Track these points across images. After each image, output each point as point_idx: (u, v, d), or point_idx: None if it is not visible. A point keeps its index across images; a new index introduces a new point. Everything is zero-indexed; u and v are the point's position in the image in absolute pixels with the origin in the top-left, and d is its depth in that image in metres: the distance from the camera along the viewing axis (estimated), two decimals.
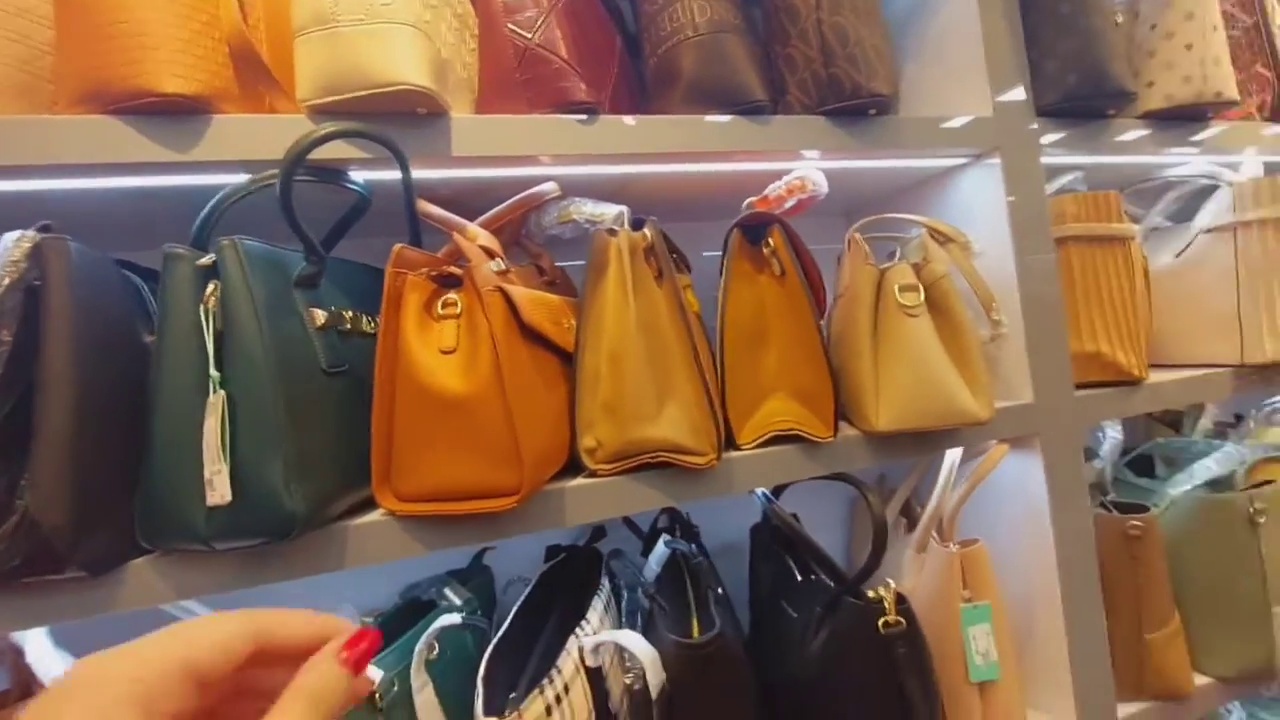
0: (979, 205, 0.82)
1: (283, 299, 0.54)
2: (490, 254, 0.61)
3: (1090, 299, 0.82)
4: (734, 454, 0.66)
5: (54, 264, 0.51)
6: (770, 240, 0.69)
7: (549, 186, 0.65)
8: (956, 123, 0.77)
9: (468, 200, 0.68)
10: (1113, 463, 0.96)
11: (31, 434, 0.48)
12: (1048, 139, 0.81)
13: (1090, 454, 1.02)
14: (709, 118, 0.67)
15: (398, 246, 0.57)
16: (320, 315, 0.57)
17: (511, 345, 0.56)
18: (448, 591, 0.74)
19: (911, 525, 0.90)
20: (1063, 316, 0.79)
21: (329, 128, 0.52)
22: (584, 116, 0.63)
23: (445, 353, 0.57)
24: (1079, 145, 0.83)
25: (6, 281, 0.50)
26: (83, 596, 0.50)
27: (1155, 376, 0.87)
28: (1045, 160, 0.83)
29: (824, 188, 0.74)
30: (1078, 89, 0.77)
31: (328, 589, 0.79)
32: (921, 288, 0.69)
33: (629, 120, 0.64)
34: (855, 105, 0.70)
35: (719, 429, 0.61)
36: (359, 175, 0.62)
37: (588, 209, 0.64)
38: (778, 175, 0.71)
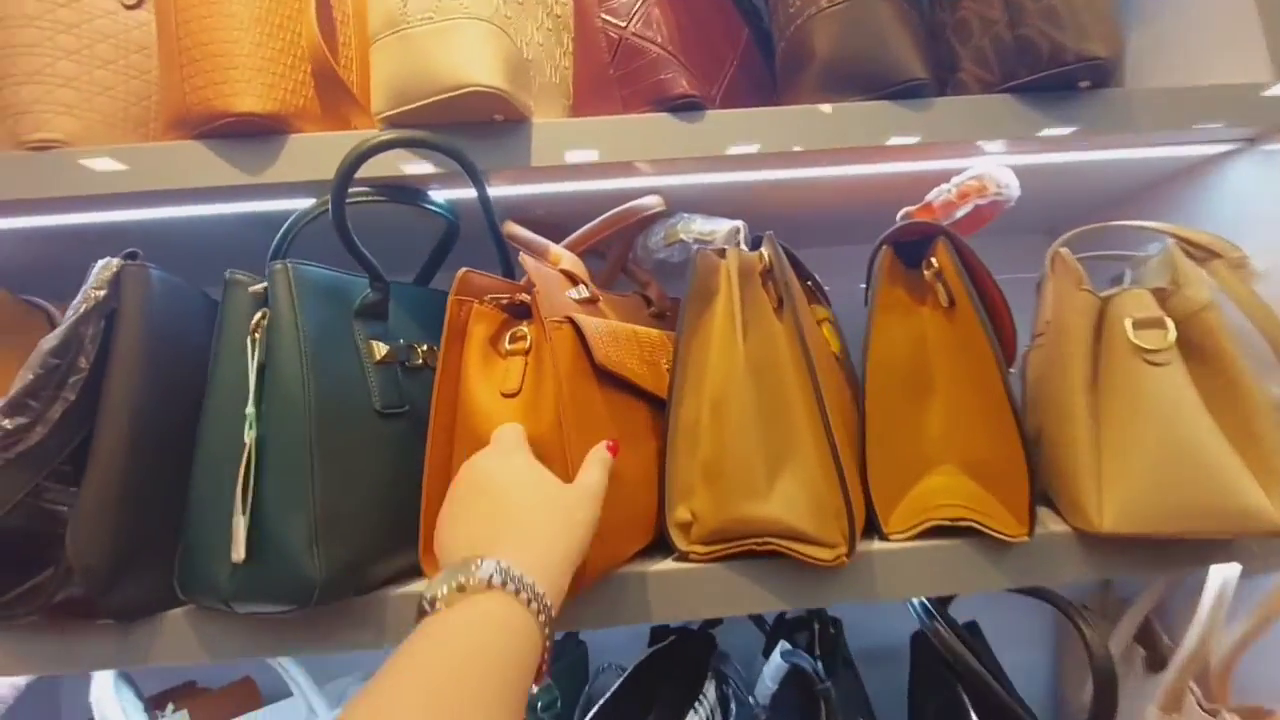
0: (1256, 209, 0.58)
1: (337, 330, 0.48)
2: (573, 279, 0.52)
3: None
4: (878, 546, 0.49)
5: (130, 291, 0.49)
6: (934, 260, 0.52)
7: (650, 201, 0.54)
8: (1218, 94, 0.55)
9: (570, 223, 0.60)
10: None
11: None
12: None
13: None
14: (847, 105, 0.53)
15: (463, 271, 0.49)
16: (381, 349, 0.50)
17: (579, 389, 0.46)
18: None
19: (1154, 660, 0.64)
20: None
21: (378, 138, 0.46)
22: (687, 114, 0.52)
23: (507, 396, 0.48)
24: None
25: (83, 309, 0.49)
26: (111, 645, 0.46)
27: None
28: None
29: (1013, 190, 0.55)
30: None
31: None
32: (1171, 324, 0.47)
33: (741, 114, 0.52)
34: (1057, 75, 0.51)
35: (852, 511, 0.45)
36: (447, 195, 0.56)
37: (696, 226, 0.53)
38: (946, 177, 0.55)
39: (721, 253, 0.47)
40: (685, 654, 0.70)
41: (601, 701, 0.61)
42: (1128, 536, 0.46)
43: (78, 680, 0.57)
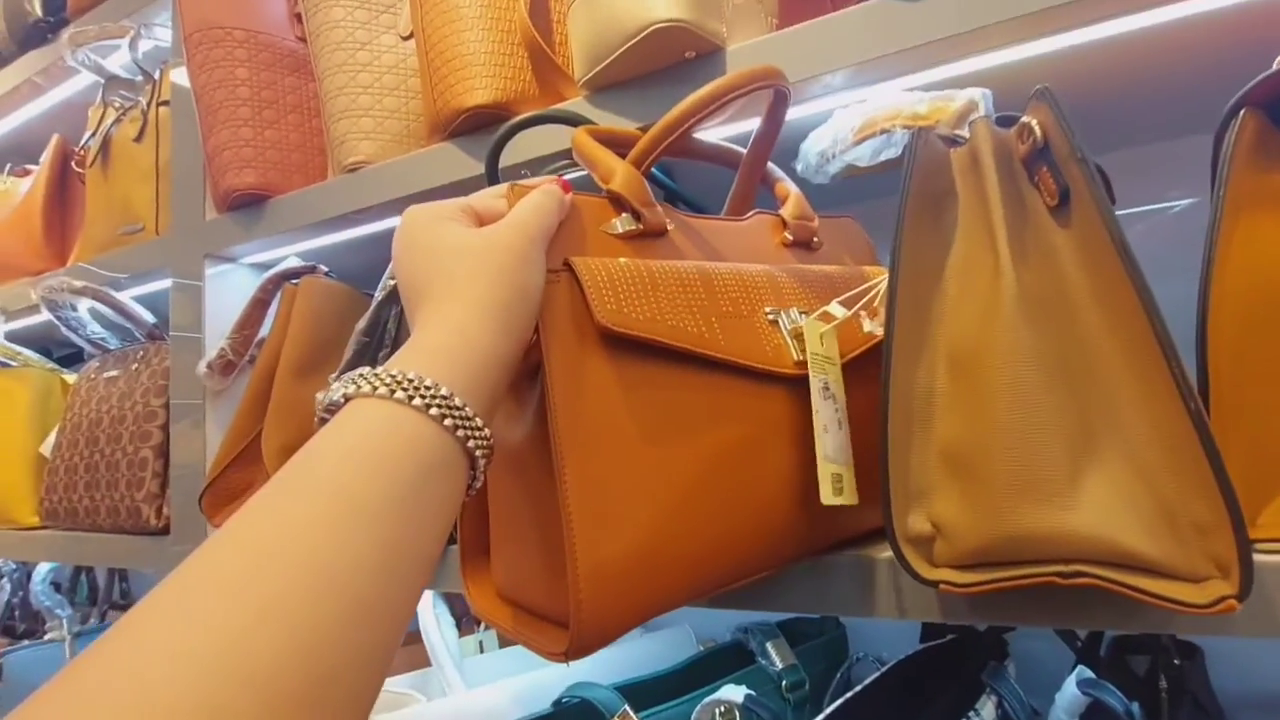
0: None
1: None
2: (621, 205, 0.37)
3: None
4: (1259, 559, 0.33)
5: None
6: None
7: (737, 78, 0.38)
8: None
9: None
10: None
11: None
12: None
13: None
14: None
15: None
16: None
17: (577, 366, 0.31)
18: (770, 648, 0.60)
19: None
20: None
21: (508, 127, 0.46)
22: None
23: None
24: None
25: (381, 295, 0.60)
26: None
27: None
28: None
29: None
30: None
31: None
32: None
33: None
34: None
35: (1240, 523, 0.29)
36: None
37: (908, 106, 0.40)
38: None
39: (955, 140, 0.35)
40: (963, 657, 0.59)
41: (854, 692, 0.54)
42: None
43: None
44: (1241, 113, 0.35)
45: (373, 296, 0.63)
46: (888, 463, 0.35)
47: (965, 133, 0.35)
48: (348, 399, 0.25)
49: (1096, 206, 0.32)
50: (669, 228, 0.38)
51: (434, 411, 0.25)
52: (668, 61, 0.48)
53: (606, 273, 0.32)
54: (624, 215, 0.36)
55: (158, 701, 0.17)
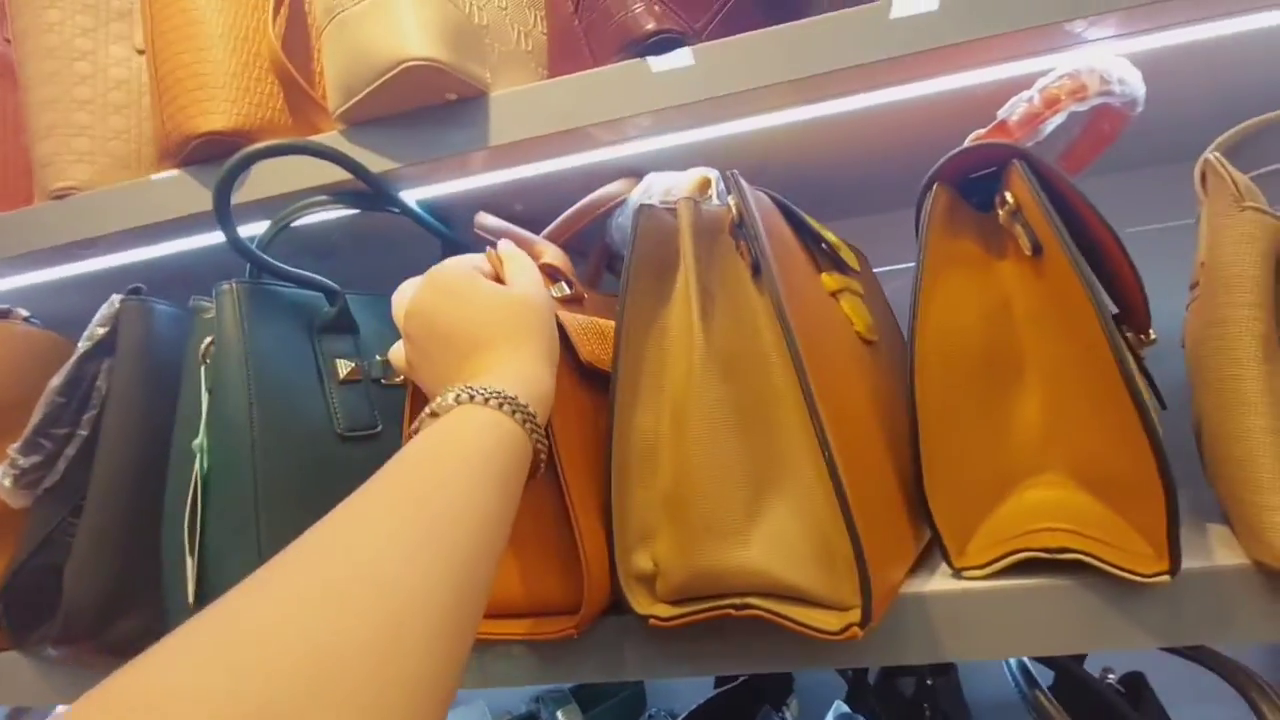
0: None
1: (295, 350, 0.45)
2: (554, 275, 0.44)
3: None
4: (945, 586, 0.36)
5: (128, 328, 0.49)
6: (1008, 193, 0.38)
7: (618, 186, 0.45)
8: None
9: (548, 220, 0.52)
10: None
11: None
12: None
13: None
14: (854, 12, 0.40)
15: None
16: (345, 366, 0.46)
17: (564, 388, 0.37)
18: (560, 715, 0.57)
19: None
20: None
21: (230, 163, 0.42)
22: (662, 55, 0.43)
23: None
24: None
25: (85, 347, 0.50)
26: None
27: None
28: None
29: (1133, 87, 0.39)
30: None
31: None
32: None
33: (735, 41, 0.42)
34: None
35: (863, 558, 0.31)
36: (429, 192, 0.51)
37: (661, 185, 0.43)
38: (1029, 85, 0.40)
39: (672, 209, 0.37)
40: (755, 699, 0.59)
41: None
42: None
43: None
44: (935, 186, 0.40)
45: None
46: (613, 506, 0.37)
47: (683, 200, 0.37)
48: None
49: (773, 280, 0.35)
50: (585, 296, 0.45)
51: (528, 425, 0.30)
52: (427, 101, 0.46)
53: (576, 323, 0.40)
54: (560, 283, 0.43)
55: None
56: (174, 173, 0.51)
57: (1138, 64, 0.39)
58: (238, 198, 0.48)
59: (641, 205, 0.36)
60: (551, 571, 0.39)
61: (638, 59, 0.43)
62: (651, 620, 0.35)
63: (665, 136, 0.45)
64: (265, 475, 0.40)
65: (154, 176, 0.52)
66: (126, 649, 0.45)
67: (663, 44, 0.43)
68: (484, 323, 0.34)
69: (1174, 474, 0.31)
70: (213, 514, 0.40)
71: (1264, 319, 0.33)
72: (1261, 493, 0.32)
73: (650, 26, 0.42)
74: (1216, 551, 0.35)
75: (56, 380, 0.49)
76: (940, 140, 0.42)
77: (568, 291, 0.44)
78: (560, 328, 0.39)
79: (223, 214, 0.43)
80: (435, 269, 0.37)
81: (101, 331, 0.50)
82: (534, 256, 0.44)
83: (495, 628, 0.40)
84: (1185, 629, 0.34)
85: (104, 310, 0.51)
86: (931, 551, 0.41)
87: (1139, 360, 0.41)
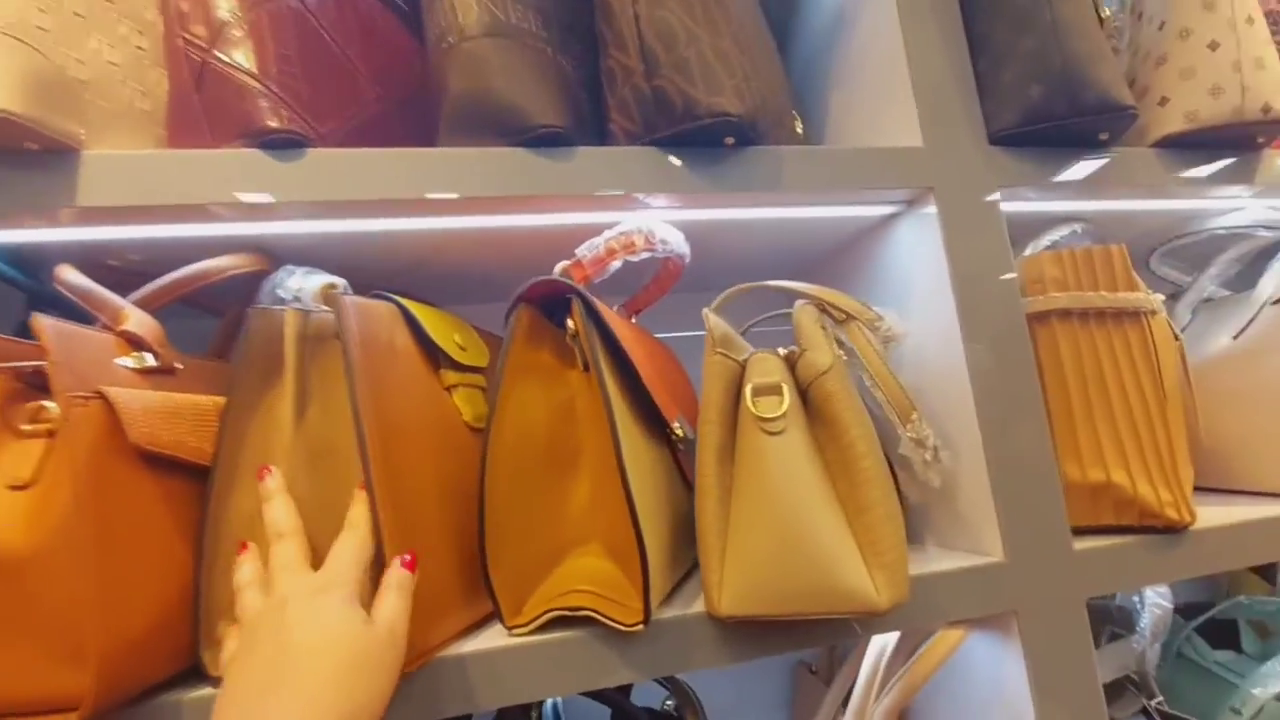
0: (917, 270, 0.59)
1: None
2: (136, 344, 0.43)
3: (1092, 401, 0.56)
4: (493, 643, 0.43)
5: None
6: (570, 321, 0.48)
7: (224, 261, 0.47)
8: (867, 157, 0.55)
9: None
10: (1160, 639, 0.66)
11: None
12: (1005, 177, 0.57)
13: (1114, 618, 0.72)
14: (466, 150, 0.48)
15: None
16: None
17: (107, 478, 0.38)
18: None
19: None
20: (1044, 429, 0.54)
21: None
22: (282, 150, 0.45)
23: (16, 488, 0.39)
24: (1055, 185, 0.59)
25: None
26: None
27: (1208, 514, 0.58)
28: (1016, 206, 0.60)
29: (676, 246, 0.53)
30: (1044, 104, 0.55)
31: None
32: (787, 390, 0.45)
33: (345, 154, 0.46)
34: (696, 130, 0.49)
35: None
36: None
37: (293, 282, 0.45)
38: (602, 231, 0.51)
39: (281, 312, 0.40)
40: None
41: None
42: (744, 619, 0.43)
43: None
44: (520, 305, 0.48)
45: None
46: (200, 584, 0.39)
47: (289, 309, 0.41)
48: None
49: (353, 381, 0.40)
50: (183, 367, 0.44)
51: None
52: (7, 146, 0.42)
53: (136, 402, 0.38)
54: (142, 354, 0.41)
55: None
56: None
57: (691, 228, 0.53)
58: None
59: (255, 307, 0.39)
60: (58, 662, 0.37)
61: (258, 149, 0.45)
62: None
63: (298, 223, 0.48)
64: None
65: None
66: None
67: (286, 141, 0.46)
68: (312, 658, 0.32)
69: (647, 544, 0.42)
70: None
71: (720, 432, 0.46)
72: (708, 557, 0.45)
73: (272, 124, 0.45)
74: (697, 605, 0.48)
75: None
76: (547, 255, 0.51)
77: (152, 364, 0.43)
78: (112, 408, 0.38)
79: None
80: (330, 563, 0.36)
81: None
82: (115, 322, 0.43)
83: None
84: (662, 663, 0.45)
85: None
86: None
87: (673, 447, 0.54)
